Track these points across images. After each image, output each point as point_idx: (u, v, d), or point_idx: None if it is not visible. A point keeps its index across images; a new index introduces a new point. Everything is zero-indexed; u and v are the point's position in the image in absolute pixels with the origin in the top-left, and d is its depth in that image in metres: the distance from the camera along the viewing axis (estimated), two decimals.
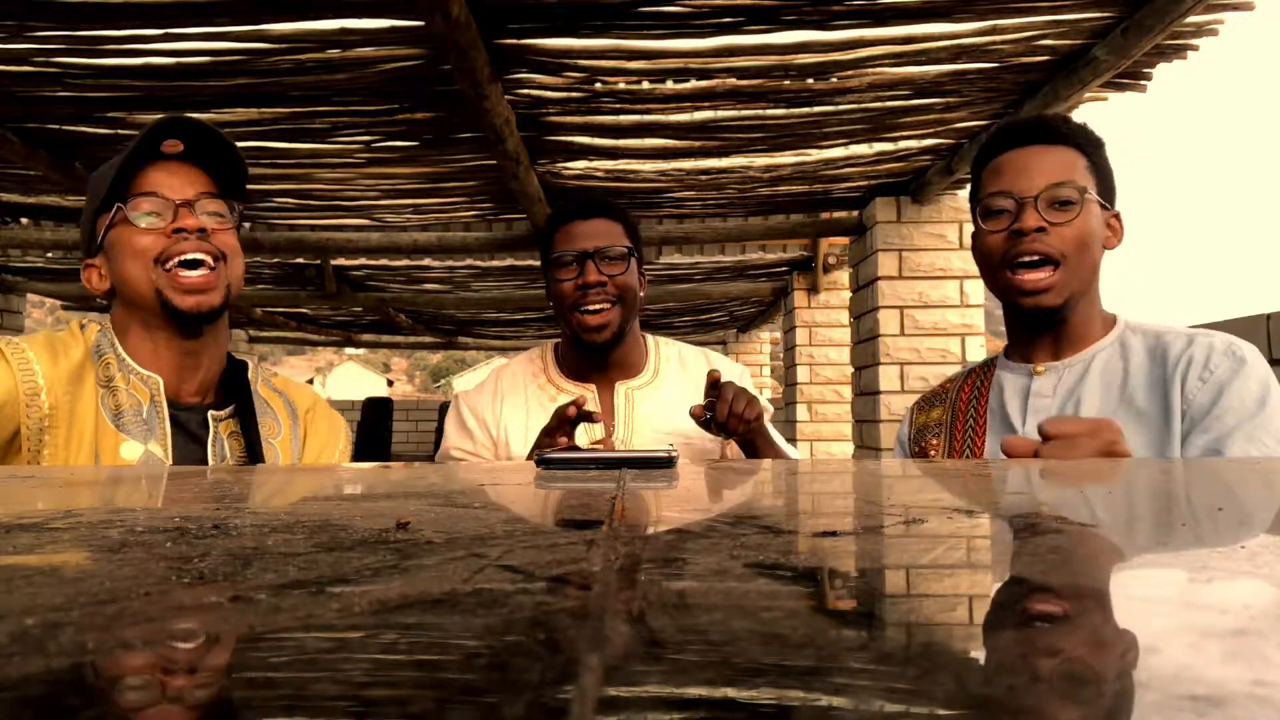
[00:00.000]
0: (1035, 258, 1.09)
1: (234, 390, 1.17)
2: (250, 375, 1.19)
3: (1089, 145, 1.13)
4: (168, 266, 1.04)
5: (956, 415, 1.23)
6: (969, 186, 1.24)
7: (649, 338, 1.53)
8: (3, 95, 2.54)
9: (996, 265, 1.14)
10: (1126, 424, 1.07)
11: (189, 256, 1.04)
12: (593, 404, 1.41)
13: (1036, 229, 1.08)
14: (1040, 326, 1.15)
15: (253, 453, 1.12)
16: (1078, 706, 0.16)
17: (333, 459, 1.25)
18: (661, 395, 1.43)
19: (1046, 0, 2.14)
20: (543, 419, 1.40)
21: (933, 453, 1.23)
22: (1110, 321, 1.17)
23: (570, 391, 1.41)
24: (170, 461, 1.05)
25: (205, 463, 1.09)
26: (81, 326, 1.10)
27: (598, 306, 1.34)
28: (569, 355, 1.47)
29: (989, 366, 1.26)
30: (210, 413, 1.12)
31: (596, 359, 1.42)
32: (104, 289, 1.10)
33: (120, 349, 1.09)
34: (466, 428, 1.45)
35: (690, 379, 1.47)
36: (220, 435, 1.12)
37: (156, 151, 1.07)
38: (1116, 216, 1.15)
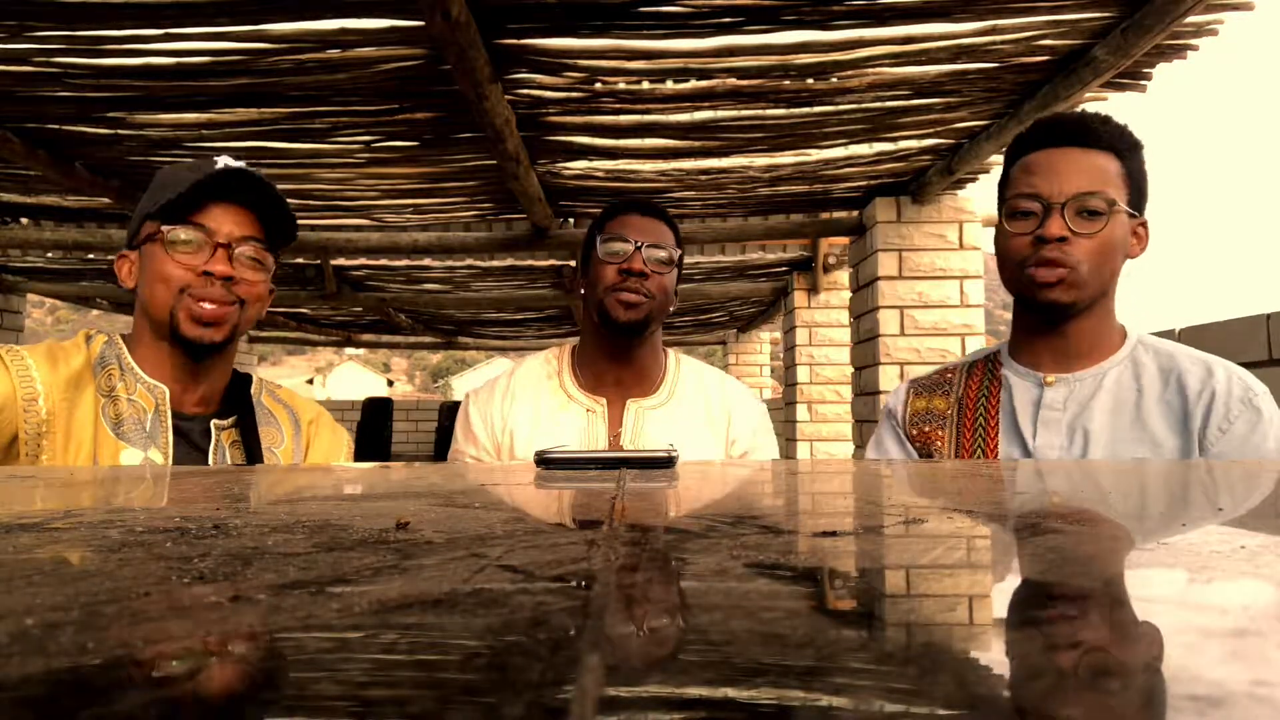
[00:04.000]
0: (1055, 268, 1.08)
1: (237, 400, 1.19)
2: (254, 389, 1.22)
3: (1126, 149, 1.10)
4: (190, 297, 1.08)
5: (964, 411, 1.21)
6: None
7: (671, 354, 1.50)
8: (3, 95, 2.54)
9: (1016, 265, 1.12)
10: (1139, 447, 1.06)
11: (207, 304, 1.08)
12: (601, 418, 1.40)
13: (1059, 238, 1.07)
14: (1047, 325, 1.14)
15: (253, 461, 1.14)
16: (1079, 707, 0.16)
17: None
18: (673, 418, 1.41)
19: (1046, 0, 2.14)
20: (550, 425, 1.38)
21: (938, 444, 1.22)
22: (1122, 335, 1.16)
23: (581, 402, 1.40)
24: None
25: None
26: (88, 338, 1.13)
27: (633, 296, 1.34)
28: (586, 359, 1.44)
29: (993, 363, 1.24)
30: (213, 421, 1.15)
31: (614, 357, 1.40)
32: (131, 285, 1.13)
33: (128, 358, 1.11)
34: (471, 431, 1.44)
35: (705, 405, 1.44)
36: (222, 444, 1.15)
37: (220, 188, 1.10)
38: (1143, 224, 1.14)
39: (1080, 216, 1.07)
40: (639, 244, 1.35)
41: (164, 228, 1.07)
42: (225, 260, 1.08)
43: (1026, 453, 1.13)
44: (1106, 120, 1.13)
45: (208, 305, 1.08)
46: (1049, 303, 1.10)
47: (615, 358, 1.40)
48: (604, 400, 1.41)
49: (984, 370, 1.25)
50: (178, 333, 1.08)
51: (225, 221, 1.09)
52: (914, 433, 1.26)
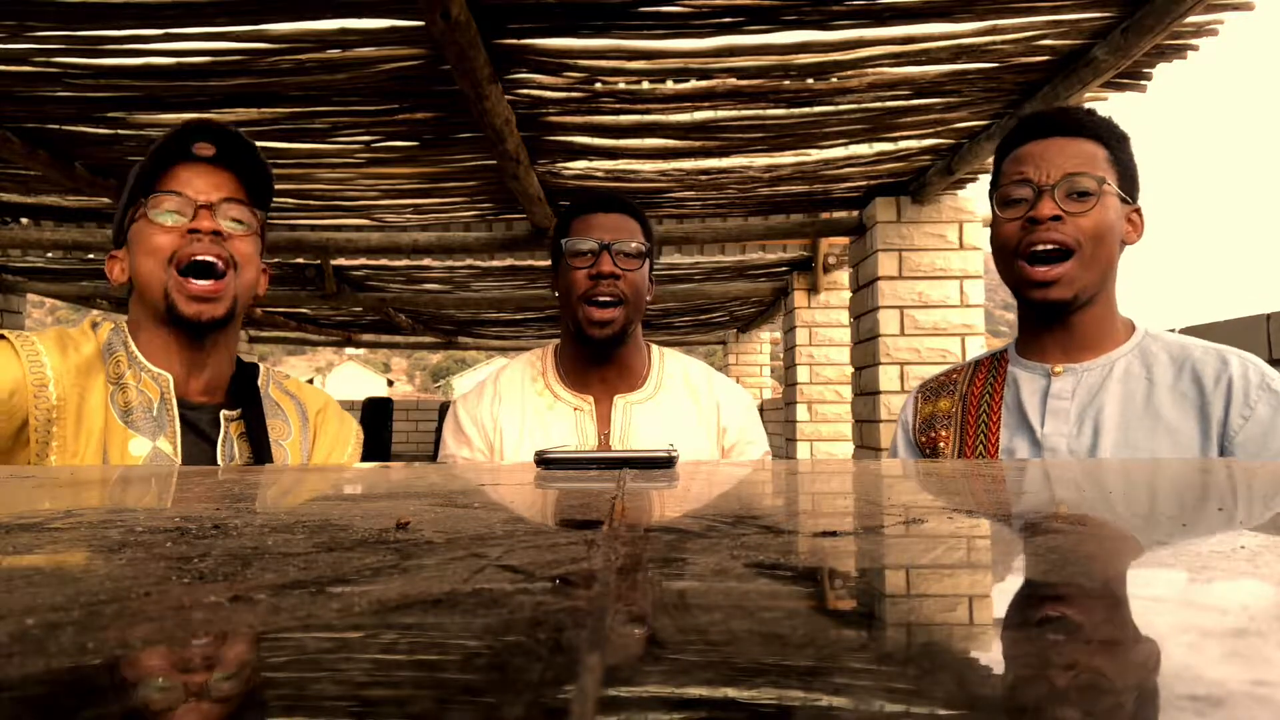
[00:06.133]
0: (1050, 247, 1.09)
1: (244, 391, 1.17)
2: (260, 380, 1.21)
3: (1112, 138, 1.13)
4: (180, 269, 1.05)
5: (967, 409, 1.22)
6: (988, 178, 1.24)
7: (654, 348, 1.50)
8: (3, 95, 2.54)
9: (1011, 254, 1.13)
10: (1154, 436, 1.06)
11: (200, 259, 1.05)
12: (589, 416, 1.39)
13: (1052, 217, 1.08)
14: (1051, 319, 1.15)
15: (260, 455, 1.13)
16: (1079, 707, 0.16)
17: (343, 459, 1.25)
18: (661, 412, 1.41)
19: (1046, 0, 2.14)
20: (538, 426, 1.38)
21: (943, 444, 1.23)
22: (1129, 327, 1.17)
23: (568, 401, 1.40)
24: (179, 459, 1.06)
25: (214, 462, 1.10)
26: (94, 325, 1.12)
27: (606, 299, 1.32)
28: (568, 359, 1.44)
29: (999, 360, 1.24)
30: (222, 412, 1.13)
31: (596, 359, 1.40)
32: (123, 281, 1.12)
33: (133, 346, 1.10)
34: (463, 433, 1.43)
35: (693, 399, 1.44)
36: (230, 435, 1.13)
37: (188, 152, 1.08)
38: (1137, 211, 1.15)
39: (1071, 198, 1.09)
40: (606, 243, 1.33)
41: (142, 199, 1.06)
42: (209, 218, 1.06)
43: (1034, 442, 1.13)
44: (1091, 112, 1.15)
45: (201, 282, 1.05)
46: (1046, 302, 1.11)
47: (597, 359, 1.40)
48: (591, 398, 1.40)
49: (989, 368, 1.25)
50: (175, 313, 1.06)
51: (201, 184, 1.07)
52: (922, 440, 1.27)
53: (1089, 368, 1.13)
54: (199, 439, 1.10)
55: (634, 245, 1.35)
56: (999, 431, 1.17)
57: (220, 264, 1.06)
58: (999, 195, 1.16)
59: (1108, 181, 1.09)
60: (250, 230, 1.11)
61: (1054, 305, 1.11)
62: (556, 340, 1.51)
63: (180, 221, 1.06)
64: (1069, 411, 1.12)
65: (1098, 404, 1.11)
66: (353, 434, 1.29)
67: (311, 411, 1.25)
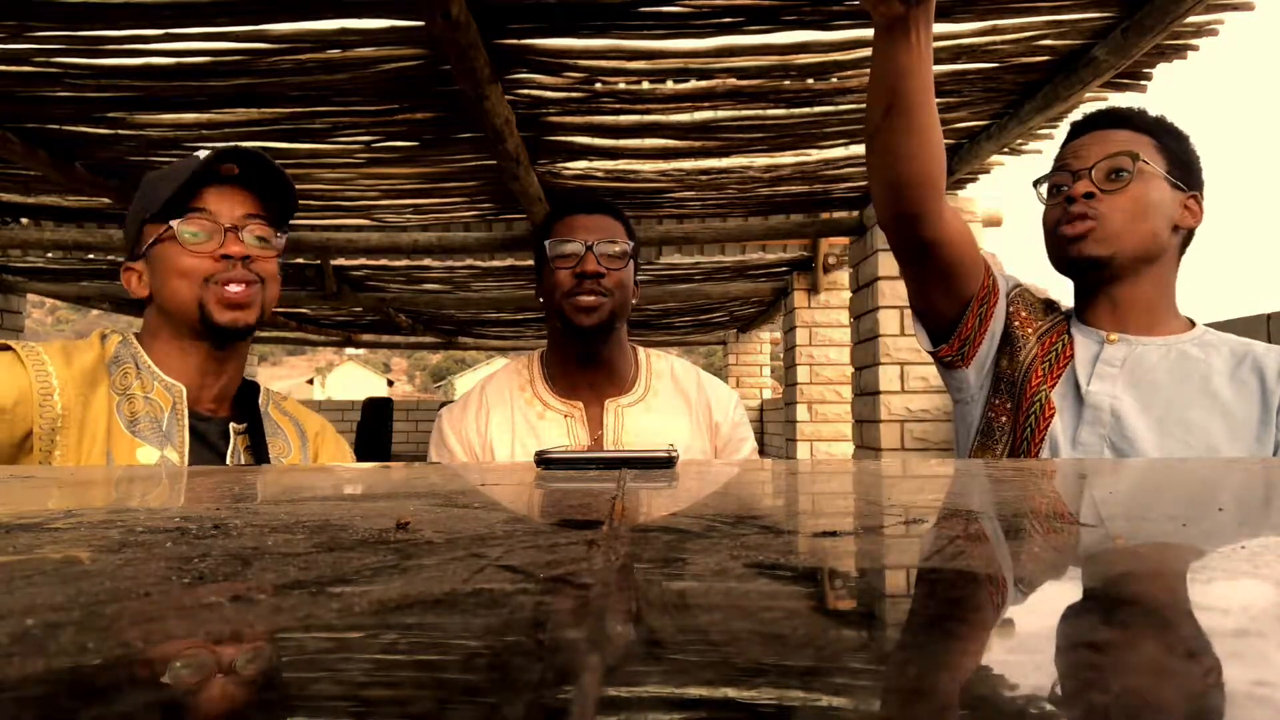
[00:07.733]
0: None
1: (247, 409, 1.20)
2: (261, 399, 1.23)
3: (1159, 130, 1.15)
4: (216, 284, 1.09)
5: (1043, 343, 1.22)
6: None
7: (639, 350, 1.49)
8: (3, 95, 2.54)
9: (1051, 234, 1.17)
10: (1209, 415, 1.08)
11: (234, 287, 1.09)
12: (580, 422, 1.38)
13: (1085, 194, 1.12)
14: (1094, 284, 1.17)
15: None
16: (1079, 707, 0.16)
17: None
18: (652, 413, 1.40)
19: (1046, 0, 2.14)
20: (529, 435, 1.37)
21: (1021, 331, 1.22)
22: (1189, 323, 1.20)
23: (557, 409, 1.38)
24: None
25: None
26: (103, 337, 1.13)
27: (591, 296, 1.32)
28: (555, 365, 1.43)
29: (1066, 319, 1.25)
30: (231, 425, 1.15)
31: (584, 361, 1.38)
32: (142, 294, 1.14)
33: (145, 357, 1.12)
34: (447, 447, 1.41)
35: (682, 397, 1.44)
36: (238, 448, 1.15)
37: (213, 174, 1.11)
38: (1193, 198, 1.16)
39: (1108, 178, 1.13)
40: (589, 243, 1.32)
41: (173, 223, 1.08)
42: (237, 241, 1.09)
43: (1079, 398, 1.14)
44: (1142, 111, 1.19)
45: (235, 288, 1.08)
46: (1080, 258, 1.14)
47: (584, 361, 1.39)
48: (580, 403, 1.39)
49: (1060, 324, 1.25)
50: (209, 321, 1.08)
51: (225, 205, 1.10)
52: (1014, 292, 1.26)
53: (1144, 342, 1.15)
54: (207, 450, 1.12)
55: (618, 247, 1.34)
56: (1064, 369, 1.17)
57: (254, 289, 1.11)
58: (1046, 188, 1.20)
59: (1141, 156, 1.11)
60: (273, 249, 1.15)
61: (1089, 262, 1.13)
62: (540, 349, 1.50)
63: (209, 244, 1.08)
64: (1116, 377, 1.13)
65: (1150, 377, 1.12)
66: (349, 460, 1.32)
67: (310, 433, 1.28)
